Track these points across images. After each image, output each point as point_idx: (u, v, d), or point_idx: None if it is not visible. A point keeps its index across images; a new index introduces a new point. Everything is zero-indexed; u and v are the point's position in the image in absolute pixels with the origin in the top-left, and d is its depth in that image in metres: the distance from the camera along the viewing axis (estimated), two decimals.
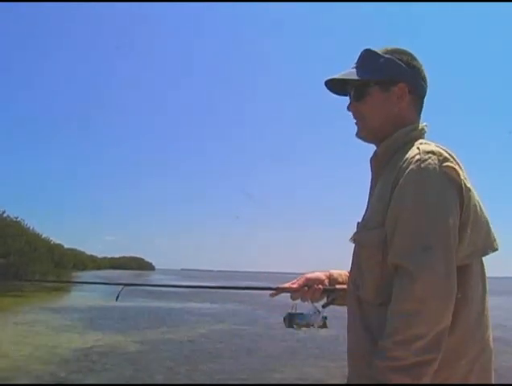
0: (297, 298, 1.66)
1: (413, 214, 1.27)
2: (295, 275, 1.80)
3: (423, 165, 1.30)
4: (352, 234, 1.53)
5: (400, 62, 1.48)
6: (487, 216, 1.38)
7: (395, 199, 1.31)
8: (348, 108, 1.56)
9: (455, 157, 1.35)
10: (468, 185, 1.32)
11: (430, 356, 1.19)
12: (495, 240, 1.39)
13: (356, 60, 1.57)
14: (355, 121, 1.55)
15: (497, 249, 1.39)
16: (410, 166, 1.31)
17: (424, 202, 1.27)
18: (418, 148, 1.35)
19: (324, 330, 1.69)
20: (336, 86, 1.58)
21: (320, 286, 1.63)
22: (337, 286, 1.66)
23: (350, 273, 1.52)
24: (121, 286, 1.89)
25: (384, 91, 1.49)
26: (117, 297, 1.90)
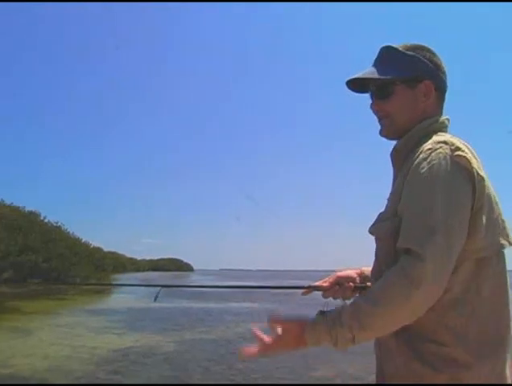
0: (328, 296, 1.63)
1: (422, 201, 1.26)
2: (328, 273, 1.77)
3: (433, 153, 1.29)
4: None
5: (424, 58, 1.47)
6: (501, 210, 1.36)
7: (405, 188, 1.32)
8: (371, 107, 1.54)
9: (469, 148, 1.33)
10: (482, 174, 1.30)
11: (368, 333, 1.24)
12: (509, 235, 1.36)
13: (376, 58, 1.55)
14: (378, 119, 1.53)
15: None
16: (421, 155, 1.31)
17: (433, 189, 1.25)
18: (432, 139, 1.35)
19: None
20: (356, 84, 1.56)
21: (351, 284, 1.61)
22: (368, 284, 1.63)
23: (373, 266, 1.51)
24: (159, 288, 1.92)
25: (410, 88, 1.47)
26: (156, 298, 1.95)
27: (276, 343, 1.33)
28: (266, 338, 1.34)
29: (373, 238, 1.47)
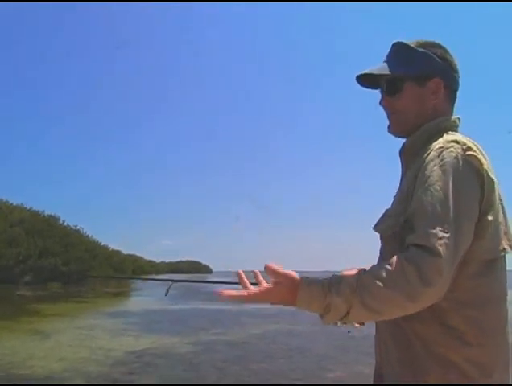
0: None
1: (433, 199, 1.22)
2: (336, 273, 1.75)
3: (444, 152, 1.28)
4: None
5: (435, 56, 1.45)
6: (507, 214, 1.35)
7: (417, 186, 1.28)
8: (381, 103, 1.53)
9: (480, 148, 1.32)
10: (492, 176, 1.29)
11: (364, 313, 1.18)
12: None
13: (387, 54, 1.53)
14: (387, 116, 1.52)
15: None
16: (432, 153, 1.29)
17: (445, 188, 1.23)
18: (443, 138, 1.34)
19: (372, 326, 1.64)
20: (366, 80, 1.54)
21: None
22: None
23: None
24: (171, 284, 1.96)
25: (419, 86, 1.45)
26: (167, 293, 1.98)
27: (263, 293, 1.23)
28: (249, 285, 1.27)
29: (377, 238, 1.45)
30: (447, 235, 1.16)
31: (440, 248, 1.14)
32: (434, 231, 1.17)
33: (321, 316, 1.22)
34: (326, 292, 1.19)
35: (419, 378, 1.28)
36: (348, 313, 1.18)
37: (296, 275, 1.24)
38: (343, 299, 1.17)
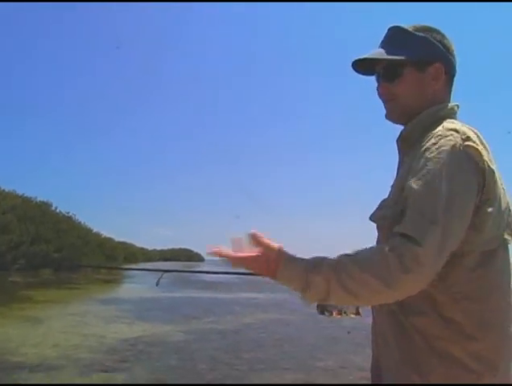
0: None
1: (426, 189, 1.19)
2: None
3: (442, 140, 1.24)
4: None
5: (434, 41, 1.42)
6: (510, 205, 1.33)
7: (411, 173, 1.25)
8: (378, 89, 1.49)
9: (481, 137, 1.29)
10: (492, 167, 1.26)
11: (342, 294, 1.18)
12: None
13: (383, 38, 1.49)
14: (384, 102, 1.49)
15: None
16: (430, 141, 1.26)
17: (439, 178, 1.19)
18: (442, 125, 1.30)
19: (367, 317, 1.65)
20: (362, 66, 1.50)
21: None
22: None
23: None
24: (163, 275, 1.97)
25: (419, 71, 1.42)
26: (157, 283, 1.98)
27: (246, 259, 1.25)
28: (239, 251, 1.26)
29: (374, 227, 1.43)
30: (433, 226, 1.14)
31: (425, 239, 1.13)
32: (421, 221, 1.16)
33: (301, 294, 1.22)
34: (308, 270, 1.20)
35: (423, 376, 1.26)
36: (328, 293, 1.18)
37: (280, 248, 1.25)
38: (322, 277, 1.17)
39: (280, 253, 1.24)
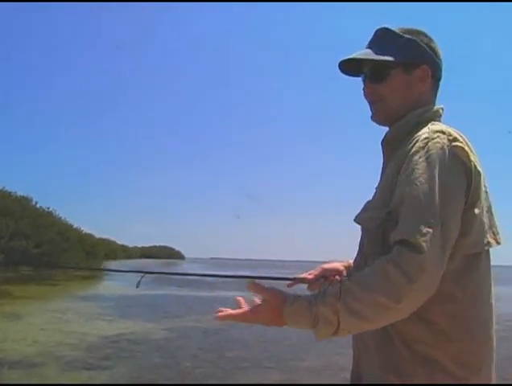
0: (314, 289, 1.57)
1: (419, 192, 1.19)
2: (316, 263, 1.74)
3: (430, 143, 1.25)
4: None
5: (422, 43, 1.43)
6: (493, 208, 1.34)
7: (401, 178, 1.25)
8: (364, 90, 1.49)
9: (466, 139, 1.30)
10: (479, 168, 1.28)
11: (354, 321, 1.16)
12: (498, 234, 1.33)
13: (371, 39, 1.50)
14: (371, 103, 1.49)
15: (499, 243, 1.33)
16: (417, 144, 1.26)
17: (431, 181, 1.20)
18: (428, 128, 1.31)
19: None
20: (348, 67, 1.50)
21: (338, 277, 1.53)
22: None
23: (356, 257, 1.46)
24: (143, 274, 1.94)
25: (406, 73, 1.43)
26: (138, 285, 1.96)
27: (253, 313, 1.27)
28: (246, 307, 1.29)
29: (359, 228, 1.43)
30: (431, 230, 1.14)
31: (424, 244, 1.12)
32: (418, 226, 1.15)
33: (313, 330, 1.20)
34: (312, 304, 1.19)
35: (404, 378, 1.25)
36: (338, 324, 1.16)
37: (281, 292, 1.27)
38: (329, 308, 1.17)
39: (283, 296, 1.25)
